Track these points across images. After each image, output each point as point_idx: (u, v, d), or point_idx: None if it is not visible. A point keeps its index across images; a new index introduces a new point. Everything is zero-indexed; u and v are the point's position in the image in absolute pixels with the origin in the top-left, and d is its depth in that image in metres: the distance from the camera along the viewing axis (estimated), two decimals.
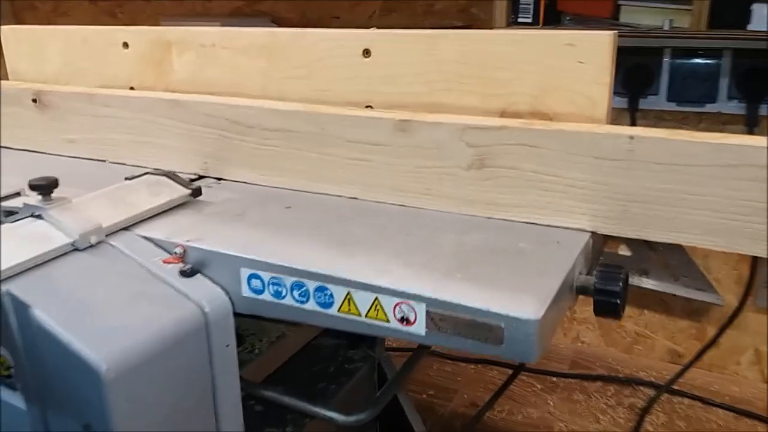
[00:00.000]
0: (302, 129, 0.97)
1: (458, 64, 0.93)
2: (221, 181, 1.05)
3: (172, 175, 0.97)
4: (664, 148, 0.77)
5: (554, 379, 1.93)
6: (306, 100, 1.03)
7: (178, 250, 0.83)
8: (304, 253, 0.79)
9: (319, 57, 1.01)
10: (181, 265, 0.82)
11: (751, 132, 1.64)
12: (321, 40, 1.01)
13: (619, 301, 0.76)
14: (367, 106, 1.00)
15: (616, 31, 0.86)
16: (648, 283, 1.64)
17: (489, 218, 0.89)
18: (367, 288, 0.72)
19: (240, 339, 0.89)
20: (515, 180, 0.86)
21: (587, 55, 0.86)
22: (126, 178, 0.99)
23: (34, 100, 1.20)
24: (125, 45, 1.20)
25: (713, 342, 1.72)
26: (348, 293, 0.74)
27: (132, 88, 1.21)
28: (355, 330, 0.75)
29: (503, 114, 0.92)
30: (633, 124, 1.73)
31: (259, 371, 1.13)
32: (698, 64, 1.65)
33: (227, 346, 0.82)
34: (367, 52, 0.98)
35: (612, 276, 0.76)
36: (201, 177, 1.06)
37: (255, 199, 0.98)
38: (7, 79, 1.38)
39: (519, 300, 0.67)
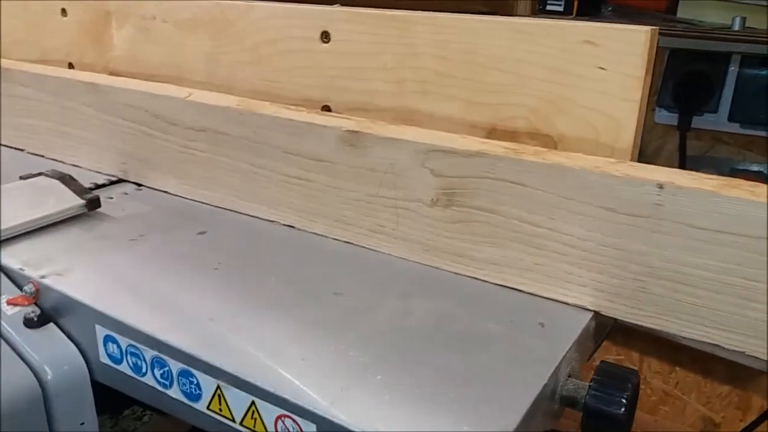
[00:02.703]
0: (232, 131, 0.73)
1: (439, 60, 0.67)
2: (142, 188, 0.83)
3: (67, 180, 0.75)
4: (709, 206, 0.51)
5: None
6: (255, 92, 0.80)
7: (29, 288, 0.62)
8: (181, 313, 0.56)
9: (267, 38, 0.77)
10: (29, 309, 0.62)
11: None
12: (270, 16, 0.77)
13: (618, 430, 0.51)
14: (323, 107, 0.76)
15: (655, 28, 0.60)
16: (685, 334, 1.33)
17: (456, 274, 0.64)
18: (241, 385, 0.50)
19: (120, 404, 0.69)
20: (494, 228, 0.61)
21: (612, 59, 0.59)
22: (21, 177, 0.79)
23: None
24: (63, 12, 0.99)
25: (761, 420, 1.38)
26: (218, 387, 0.51)
27: (71, 66, 1.01)
28: None
29: (493, 132, 0.67)
30: (682, 147, 1.37)
31: None
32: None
33: (81, 424, 0.61)
34: (325, 36, 0.74)
35: (612, 392, 0.51)
36: (120, 181, 0.85)
37: (167, 216, 0.75)
38: None
39: None
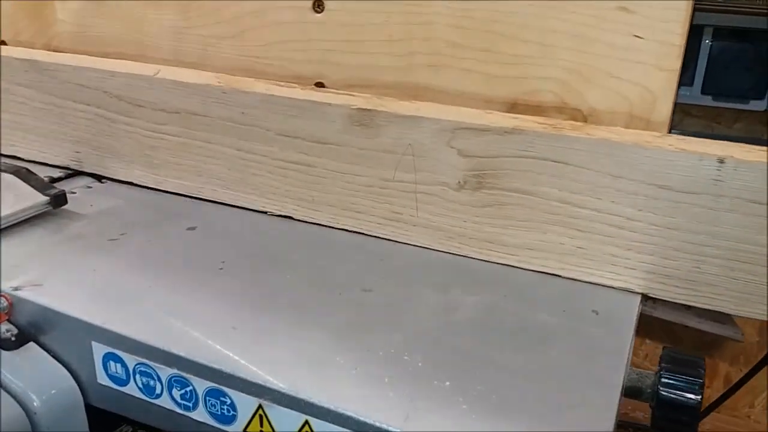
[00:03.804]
0: (213, 113, 0.65)
1: (454, 30, 0.62)
2: (105, 182, 0.73)
3: (25, 173, 0.65)
4: None
5: None
6: (234, 69, 0.71)
7: (1, 302, 0.53)
8: (197, 323, 0.48)
9: (251, 9, 0.69)
10: (3, 327, 0.52)
11: None
12: None
13: (695, 421, 0.48)
14: (316, 83, 0.69)
15: None
16: (653, 308, 1.36)
17: (486, 262, 0.60)
18: (291, 403, 0.43)
19: (108, 424, 0.60)
20: (531, 211, 0.56)
21: (649, 26, 0.56)
22: None
23: None
24: None
25: (740, 385, 1.42)
26: (259, 407, 0.44)
27: (3, 43, 0.88)
28: None
29: (514, 106, 0.62)
30: None
31: None
32: (746, 48, 1.25)
33: None
34: (318, 5, 0.67)
35: (687, 379, 0.48)
36: (75, 173, 0.74)
37: (144, 211, 0.66)
38: None
39: None
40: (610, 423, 0.40)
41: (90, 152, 0.72)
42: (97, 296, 0.51)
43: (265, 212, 0.66)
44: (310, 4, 0.66)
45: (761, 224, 0.49)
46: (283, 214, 0.66)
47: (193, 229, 0.62)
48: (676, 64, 0.55)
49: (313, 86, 0.68)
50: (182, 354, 0.45)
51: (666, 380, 0.47)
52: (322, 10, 0.65)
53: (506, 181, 0.55)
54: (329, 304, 0.51)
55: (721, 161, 0.49)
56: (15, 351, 0.50)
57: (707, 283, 0.52)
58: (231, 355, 0.45)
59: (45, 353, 0.51)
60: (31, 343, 0.51)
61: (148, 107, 0.68)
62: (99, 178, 0.73)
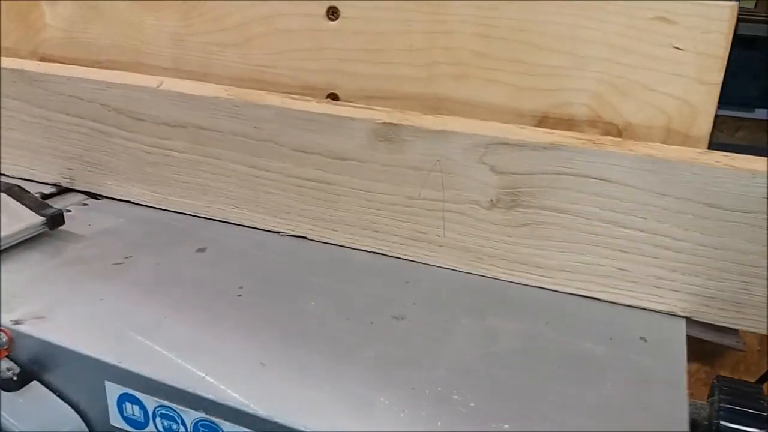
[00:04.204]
0: (225, 127, 0.61)
1: (480, 39, 0.59)
2: (100, 198, 0.69)
3: (17, 191, 0.60)
4: None
5: None
6: (239, 79, 0.67)
7: (0, 338, 0.48)
8: (223, 360, 0.44)
9: (259, 15, 0.66)
10: (4, 365, 0.47)
11: None
12: None
13: None
14: (329, 95, 0.65)
15: (736, 3, 0.54)
16: None
17: (517, 284, 0.57)
18: None
19: None
20: (569, 231, 0.53)
21: (690, 37, 0.54)
22: None
23: None
24: None
25: None
26: None
27: None
28: None
29: (544, 120, 0.59)
30: None
31: None
32: (753, 57, 1.20)
33: None
34: (333, 12, 0.63)
35: (750, 412, 0.45)
36: (64, 190, 0.69)
37: (147, 231, 0.61)
38: None
39: None
40: None
41: (83, 169, 0.68)
42: (108, 330, 0.47)
43: (278, 232, 0.62)
44: (323, 11, 0.62)
45: None
46: (297, 234, 0.62)
47: (203, 250, 0.58)
48: (719, 77, 0.53)
49: (327, 98, 0.64)
50: (210, 397, 0.41)
51: (727, 413, 0.44)
52: (337, 18, 0.62)
53: (543, 199, 0.52)
54: (361, 334, 0.48)
55: None
56: (17, 392, 0.46)
57: (754, 305, 0.50)
58: (264, 396, 0.41)
59: (50, 393, 0.46)
60: (35, 382, 0.46)
61: (150, 121, 0.63)
62: (94, 196, 0.68)
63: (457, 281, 0.55)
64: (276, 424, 0.39)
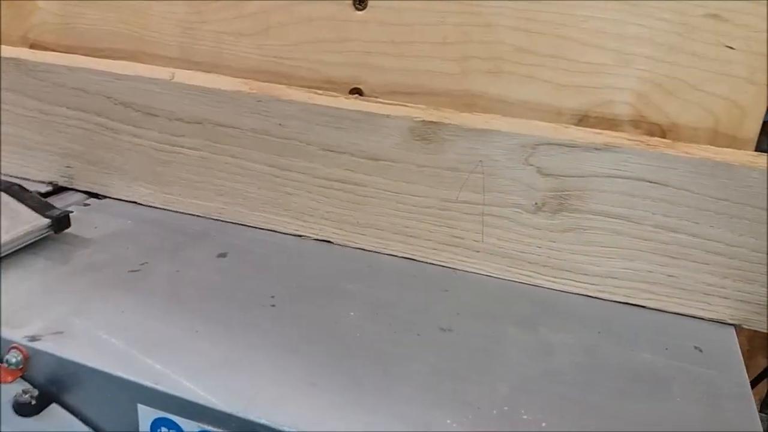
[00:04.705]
0: (246, 124, 0.57)
1: (519, 33, 0.56)
2: (102, 199, 0.64)
3: (17, 191, 0.55)
4: None
5: None
6: (254, 71, 0.63)
7: (13, 356, 0.43)
8: (269, 380, 0.40)
9: (281, 2, 0.61)
10: (17, 388, 0.43)
11: None
12: None
13: None
14: (353, 90, 0.62)
15: None
16: None
17: (561, 292, 0.54)
18: None
19: None
20: (618, 237, 0.51)
21: (742, 35, 0.52)
22: None
23: None
24: None
25: None
26: None
27: None
28: None
29: (584, 119, 0.57)
30: None
31: None
32: None
33: None
34: (360, 1, 0.60)
35: None
36: (60, 189, 0.64)
37: (159, 234, 0.57)
38: None
39: None
40: None
41: (84, 167, 0.63)
42: (135, 346, 0.43)
43: (300, 236, 0.59)
44: (350, 0, 0.59)
45: None
46: (320, 238, 0.58)
47: (224, 255, 0.54)
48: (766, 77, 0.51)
49: (350, 93, 0.61)
50: (263, 421, 0.37)
51: None
52: (365, 7, 0.58)
53: (592, 202, 0.50)
54: (409, 347, 0.45)
55: None
56: (35, 417, 0.41)
57: None
58: (319, 420, 0.38)
59: (72, 416, 0.42)
60: (54, 405, 0.42)
61: (163, 116, 0.59)
62: (95, 195, 0.63)
63: (496, 289, 0.53)
64: None
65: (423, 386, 0.41)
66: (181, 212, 0.61)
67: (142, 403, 0.40)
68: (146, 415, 0.40)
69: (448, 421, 0.38)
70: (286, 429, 0.37)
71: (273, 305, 0.48)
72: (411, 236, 0.56)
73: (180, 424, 0.39)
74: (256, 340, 0.44)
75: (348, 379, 0.41)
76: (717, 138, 0.53)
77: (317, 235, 0.58)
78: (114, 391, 0.40)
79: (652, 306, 0.51)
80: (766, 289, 0.49)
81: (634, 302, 0.52)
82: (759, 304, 0.50)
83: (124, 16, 0.66)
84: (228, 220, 0.60)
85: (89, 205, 0.61)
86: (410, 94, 0.59)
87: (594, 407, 0.40)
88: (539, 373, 0.43)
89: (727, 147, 0.52)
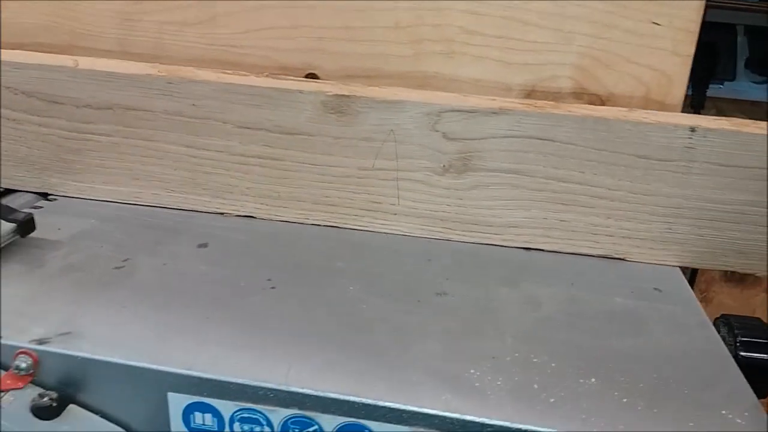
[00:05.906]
0: (158, 106, 0.57)
1: (467, 15, 0.61)
2: (51, 198, 0.61)
3: None
4: (735, 145, 0.54)
5: None
6: (201, 61, 0.63)
7: (23, 360, 0.42)
8: (300, 356, 0.43)
9: None
10: (32, 392, 0.41)
11: None
12: None
13: None
14: (308, 74, 0.64)
15: None
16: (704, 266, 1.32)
17: (475, 244, 0.60)
18: (449, 426, 0.39)
19: None
20: (516, 190, 0.58)
21: (667, 13, 0.59)
22: None
23: None
24: None
25: None
26: None
27: None
28: None
29: (531, 93, 0.62)
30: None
31: None
32: None
33: None
34: None
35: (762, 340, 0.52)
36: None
37: (131, 230, 0.57)
38: None
39: None
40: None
41: None
42: (150, 337, 0.43)
43: (222, 213, 0.60)
44: None
45: (727, 185, 0.56)
46: (243, 214, 0.61)
47: (205, 246, 0.55)
48: (691, 49, 0.59)
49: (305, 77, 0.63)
50: (307, 391, 0.39)
51: (745, 344, 0.50)
52: None
53: (492, 161, 0.57)
54: (418, 314, 0.49)
55: (693, 130, 0.54)
56: (55, 419, 0.40)
57: (676, 243, 0.59)
58: (360, 384, 0.40)
59: (95, 416, 0.41)
60: (72, 406, 0.41)
61: (69, 104, 0.58)
62: (45, 195, 0.61)
63: (437, 248, 0.59)
64: (385, 408, 0.39)
65: (440, 344, 0.45)
66: (98, 200, 0.62)
67: (172, 391, 0.40)
68: (177, 402, 0.40)
69: (472, 371, 0.42)
70: (331, 395, 0.39)
71: (273, 287, 0.49)
72: (332, 205, 0.60)
73: (216, 406, 0.40)
74: (271, 322, 0.46)
75: (371, 345, 0.44)
76: (648, 104, 0.61)
77: (238, 211, 0.61)
78: (139, 383, 0.41)
79: (548, 249, 0.60)
80: (643, 225, 0.57)
81: (533, 247, 0.60)
82: (638, 239, 0.58)
83: (52, 8, 0.64)
84: (150, 204, 0.61)
85: (42, 207, 0.59)
86: (366, 77, 0.63)
87: (591, 346, 0.47)
88: (535, 323, 0.48)
89: (658, 111, 0.59)
